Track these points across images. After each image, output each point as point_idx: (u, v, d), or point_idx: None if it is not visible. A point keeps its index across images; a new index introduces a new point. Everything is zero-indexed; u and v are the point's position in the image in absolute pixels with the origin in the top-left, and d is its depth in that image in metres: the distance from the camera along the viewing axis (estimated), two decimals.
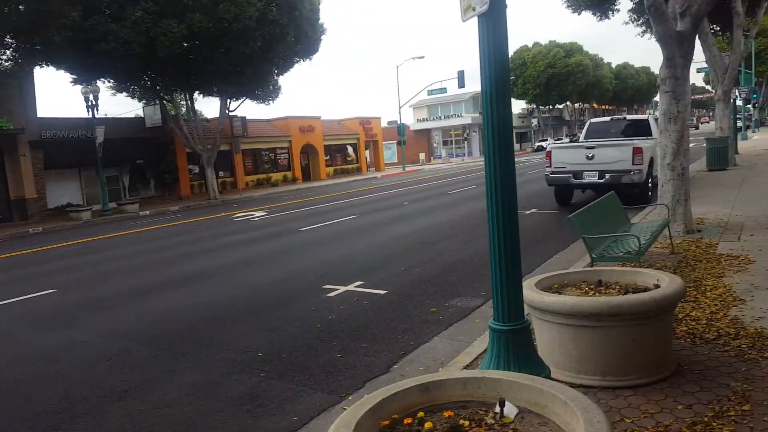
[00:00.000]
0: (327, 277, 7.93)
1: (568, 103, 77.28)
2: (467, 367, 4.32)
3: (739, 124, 40.81)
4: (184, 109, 29.23)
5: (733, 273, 6.04)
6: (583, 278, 4.54)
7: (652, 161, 13.04)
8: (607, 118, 15.25)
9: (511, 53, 58.66)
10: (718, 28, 20.07)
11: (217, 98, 27.65)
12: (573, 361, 3.80)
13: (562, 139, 60.10)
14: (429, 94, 48.64)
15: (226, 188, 31.15)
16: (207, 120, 32.44)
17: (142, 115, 29.38)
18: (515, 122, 76.09)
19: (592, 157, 12.48)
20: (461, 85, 44.79)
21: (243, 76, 24.92)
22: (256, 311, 6.63)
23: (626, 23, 20.70)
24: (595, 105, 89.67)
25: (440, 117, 68.67)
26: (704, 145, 18.39)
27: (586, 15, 21.41)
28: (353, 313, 6.17)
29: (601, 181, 12.38)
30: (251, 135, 32.87)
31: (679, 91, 8.12)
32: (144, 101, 29.37)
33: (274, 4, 23.84)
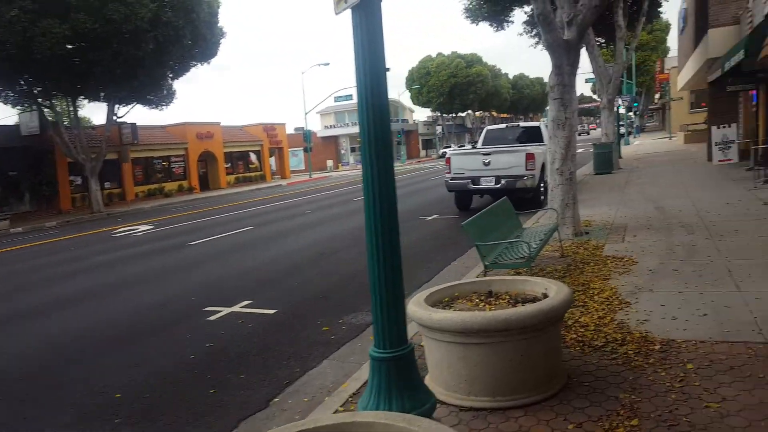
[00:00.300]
0: (211, 298, 7.28)
1: (470, 111, 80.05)
2: (354, 394, 3.95)
3: (622, 130, 44.10)
4: (68, 116, 26.81)
5: (619, 275, 6.14)
6: (474, 289, 4.33)
7: (543, 166, 13.48)
8: (503, 125, 15.68)
9: (415, 63, 59.28)
10: (603, 41, 21.39)
11: (105, 103, 25.62)
12: (463, 382, 3.54)
13: (464, 145, 62.12)
14: (336, 101, 48.37)
15: (113, 200, 28.96)
16: (93, 127, 30.03)
17: (18, 123, 26.62)
18: (421, 129, 78.00)
19: (489, 163, 12.68)
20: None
21: (134, 80, 23.25)
22: (122, 342, 5.88)
23: (520, 34, 21.56)
24: (494, 113, 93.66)
25: (348, 123, 68.59)
26: (591, 150, 19.47)
27: (484, 26, 22.10)
28: (235, 339, 5.62)
29: (498, 186, 12.60)
30: (143, 142, 30.83)
31: (566, 99, 8.31)
32: (19, 107, 26.62)
33: (169, 5, 22.48)
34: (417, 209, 15.10)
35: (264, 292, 7.42)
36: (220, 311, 6.61)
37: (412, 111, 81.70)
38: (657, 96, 60.80)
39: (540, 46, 21.67)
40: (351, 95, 47.44)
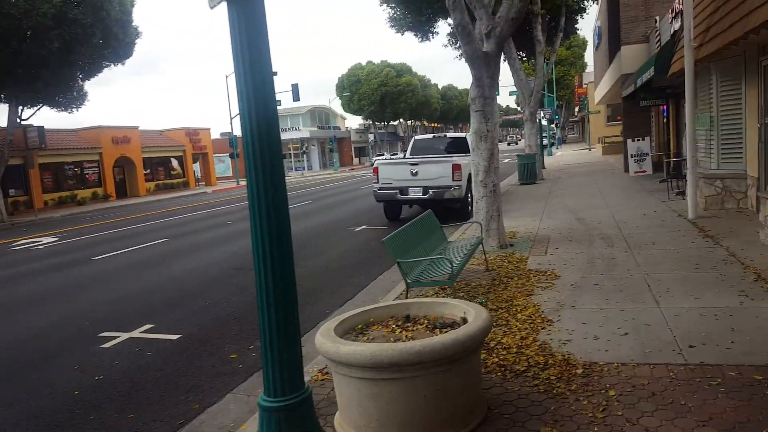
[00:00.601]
0: (109, 321, 6.57)
1: (401, 120, 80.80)
2: None
3: (545, 141, 45.76)
4: None
5: (542, 290, 6.03)
6: (391, 313, 4.01)
7: (470, 178, 13.49)
8: (431, 136, 15.64)
9: (345, 70, 58.96)
10: (524, 55, 21.97)
11: (6, 105, 23.56)
12: (373, 422, 3.18)
13: (397, 153, 62.48)
14: None
15: (20, 209, 26.71)
16: None
17: None
18: (354, 137, 77.90)
19: (416, 173, 12.52)
20: (296, 98, 44.35)
21: (38, 81, 21.53)
22: None
23: (445, 46, 21.75)
24: (425, 123, 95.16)
25: (280, 129, 67.26)
26: (516, 160, 19.86)
27: (409, 36, 22.13)
28: (129, 370, 5.01)
29: (425, 196, 12.46)
30: (52, 147, 28.68)
31: (488, 111, 8.23)
32: None
33: (76, 1, 20.99)
34: (346, 219, 14.74)
35: (169, 313, 6.78)
36: (117, 337, 5.94)
37: (344, 118, 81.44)
38: (576, 109, 63.73)
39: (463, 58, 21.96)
40: (279, 101, 46.56)
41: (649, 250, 7.41)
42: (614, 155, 29.56)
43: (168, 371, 4.95)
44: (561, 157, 37.98)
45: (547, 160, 34.41)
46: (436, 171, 12.39)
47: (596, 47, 30.85)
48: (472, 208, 13.39)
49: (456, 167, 12.34)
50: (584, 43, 59.77)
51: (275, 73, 2.38)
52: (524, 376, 3.97)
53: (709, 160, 9.86)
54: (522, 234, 9.62)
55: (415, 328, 3.76)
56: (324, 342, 3.28)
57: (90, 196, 31.03)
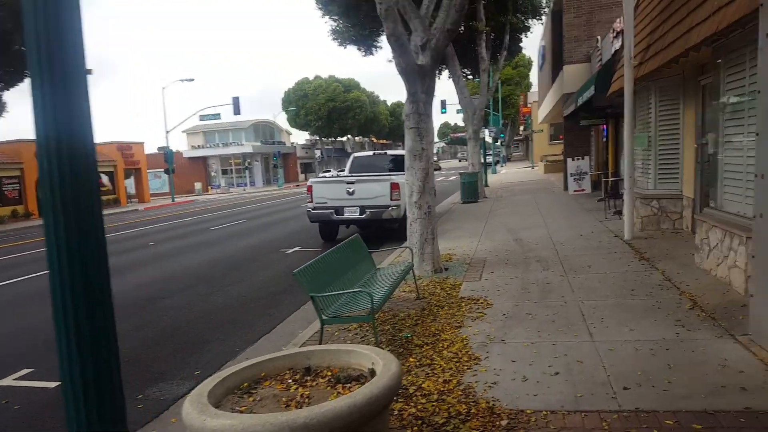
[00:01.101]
0: None
1: (349, 136, 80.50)
2: None
3: (490, 159, 46.34)
4: None
5: (472, 321, 5.59)
6: (289, 364, 3.42)
7: None
8: (370, 153, 15.19)
9: (292, 84, 57.91)
10: (469, 72, 21.99)
11: None
12: None
13: (344, 170, 62.19)
14: (201, 120, 45.88)
15: None
16: None
17: None
18: (300, 153, 76.88)
19: (353, 192, 12.00)
20: (236, 112, 43.20)
21: None
22: None
23: (390, 61, 21.41)
24: (374, 139, 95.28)
25: (218, 144, 65.70)
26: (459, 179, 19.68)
27: (353, 50, 21.74)
28: None
29: (363, 216, 11.95)
30: None
31: (423, 128, 7.82)
32: None
33: None
34: (279, 240, 14.02)
35: (55, 355, 5.93)
36: None
37: (289, 133, 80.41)
38: (521, 128, 65.23)
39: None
40: (219, 114, 45.39)
41: (584, 274, 7.12)
42: (555, 173, 30.07)
43: (37, 429, 4.16)
44: (505, 174, 38.47)
45: (492, 178, 34.71)
46: (374, 190, 11.92)
47: (540, 67, 31.47)
48: None
49: (394, 186, 11.90)
50: (530, 63, 61.39)
51: (89, 71, 1.75)
52: (443, 431, 3.46)
53: (647, 180, 9.80)
54: (459, 256, 9.23)
55: (315, 383, 3.19)
56: (191, 412, 2.65)
57: (9, 214, 28.89)
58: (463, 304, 6.22)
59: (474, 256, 9.08)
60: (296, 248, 12.50)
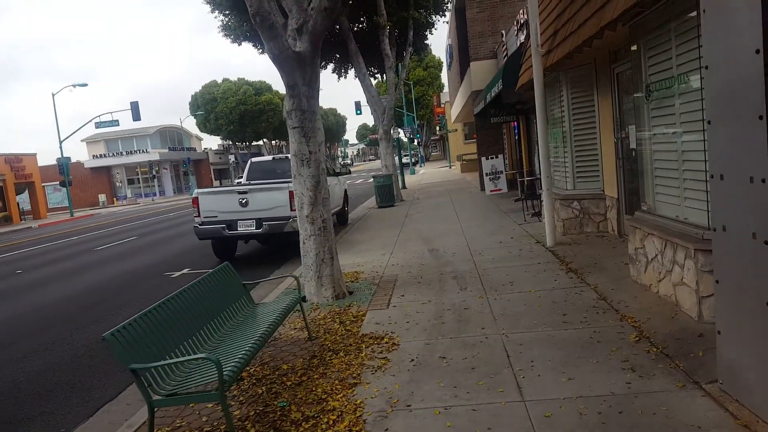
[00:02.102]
0: None
1: (265, 140, 77.87)
2: None
3: (406, 160, 45.74)
4: None
5: (372, 373, 4.33)
6: None
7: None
8: (269, 157, 13.65)
9: (199, 88, 55.50)
10: (376, 71, 20.92)
11: None
12: None
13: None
14: (97, 127, 42.04)
15: None
16: None
17: None
18: (213, 158, 73.18)
19: (246, 203, 10.46)
20: (136, 117, 39.99)
21: None
22: None
23: (261, 52, 19.91)
24: None
25: (122, 153, 61.35)
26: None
27: (248, 47, 20.07)
28: None
29: (259, 231, 10.44)
30: None
31: (308, 127, 6.49)
32: None
33: None
34: (167, 261, 12.20)
35: None
36: None
37: (200, 139, 76.56)
38: (438, 128, 65.53)
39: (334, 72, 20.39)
40: (117, 121, 41.81)
41: (507, 293, 6.07)
42: (472, 172, 29.72)
43: None
44: (423, 175, 37.91)
45: (410, 179, 34.00)
46: (271, 200, 10.44)
47: (449, 66, 31.05)
48: None
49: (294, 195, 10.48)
50: (440, 64, 61.72)
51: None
52: None
53: (565, 180, 9.01)
54: (367, 274, 7.98)
55: None
56: None
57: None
58: (364, 346, 4.95)
59: (384, 273, 7.87)
60: (185, 270, 10.80)
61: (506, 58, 14.29)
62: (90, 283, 10.59)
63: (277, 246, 12.35)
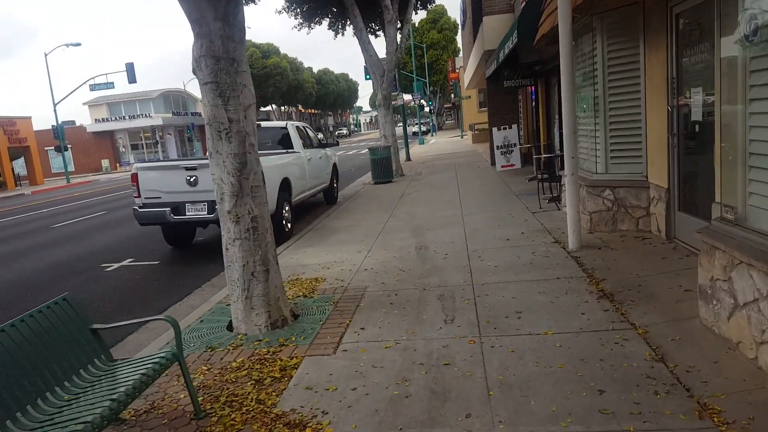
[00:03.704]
0: None
1: (273, 105, 75.78)
2: None
3: (415, 129, 43.37)
4: None
5: None
6: None
7: (289, 184, 9.77)
8: None
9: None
10: (377, 28, 18.57)
11: None
12: None
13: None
14: (92, 90, 40.08)
15: None
16: None
17: None
18: None
19: (196, 181, 8.50)
20: (132, 80, 37.96)
21: None
22: None
23: (279, 12, 17.75)
24: (302, 108, 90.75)
25: (125, 117, 59.58)
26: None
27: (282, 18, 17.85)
28: None
29: (212, 216, 8.48)
30: None
31: (226, 82, 4.45)
32: None
33: None
34: (114, 246, 10.36)
35: None
36: None
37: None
38: (452, 95, 62.60)
39: (307, 29, 18.13)
40: (112, 83, 39.85)
41: (511, 334, 4.09)
42: (484, 143, 27.41)
43: None
44: (432, 145, 35.58)
45: (417, 149, 31.80)
46: None
47: (462, 25, 28.48)
48: (290, 227, 9.72)
49: None
50: (456, 26, 58.52)
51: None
52: None
53: (595, 161, 6.90)
54: (330, 283, 6.05)
55: None
56: None
57: None
58: None
59: (352, 283, 5.92)
60: (125, 261, 8.95)
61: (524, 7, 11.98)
62: (17, 273, 8.80)
63: None
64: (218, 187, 4.72)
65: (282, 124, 11.34)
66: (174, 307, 6.49)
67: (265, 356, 4.23)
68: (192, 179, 8.50)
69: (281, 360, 4.12)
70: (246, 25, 4.67)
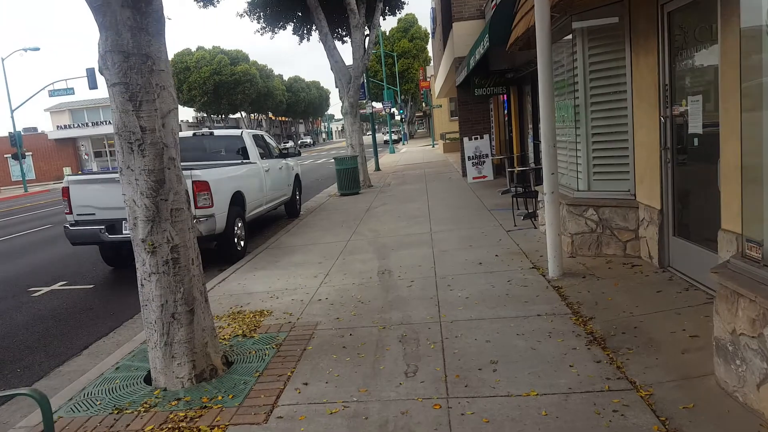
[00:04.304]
0: None
1: (242, 113, 74.49)
2: None
3: (386, 138, 42.73)
4: None
5: None
6: None
7: (242, 198, 8.89)
8: (190, 134, 10.68)
9: (171, 56, 51.96)
10: (344, 33, 17.82)
11: None
12: None
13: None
14: (51, 96, 38.36)
15: None
16: None
17: None
18: (186, 131, 69.37)
19: None
20: (92, 86, 36.41)
21: None
22: None
23: (241, 15, 16.89)
24: (272, 116, 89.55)
25: (87, 123, 57.65)
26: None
27: (247, 23, 16.94)
28: None
29: None
30: None
31: (137, 84, 3.61)
32: None
33: None
34: (48, 266, 9.31)
35: None
36: None
37: None
38: (423, 104, 62.30)
39: (270, 35, 17.27)
40: (72, 89, 38.18)
41: (485, 396, 3.32)
42: (454, 153, 26.91)
43: None
44: (403, 154, 34.95)
45: (388, 159, 31.15)
46: None
47: (432, 33, 28.01)
48: (243, 246, 8.83)
49: (200, 186, 7.62)
50: (426, 35, 58.35)
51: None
52: None
53: (576, 176, 6.24)
54: (276, 317, 5.21)
55: None
56: None
57: None
58: None
59: (301, 318, 5.09)
60: (59, 284, 7.96)
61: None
62: None
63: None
64: (130, 210, 3.87)
65: (237, 132, 10.45)
66: (97, 344, 5.58)
67: (181, 423, 3.38)
68: None
69: (200, 430, 3.28)
70: (166, 15, 3.85)
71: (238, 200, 8.70)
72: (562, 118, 6.56)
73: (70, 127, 57.58)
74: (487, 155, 14.40)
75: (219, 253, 8.34)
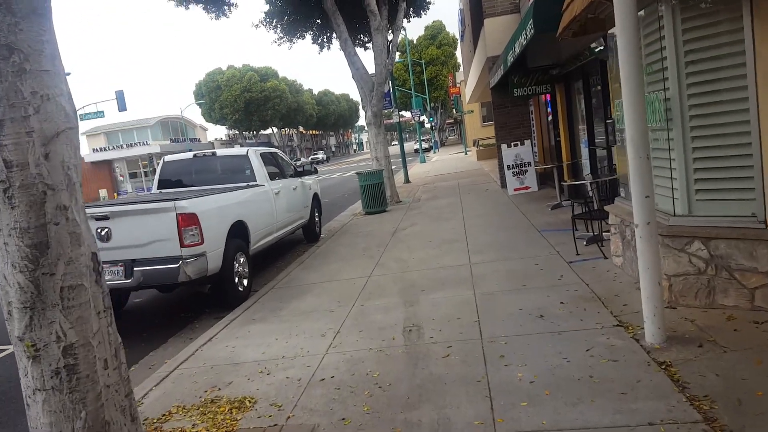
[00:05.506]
0: None
1: (273, 128, 74.44)
2: None
3: (416, 146, 41.21)
4: None
5: None
6: None
7: (244, 229, 7.53)
8: (190, 155, 9.39)
9: (203, 76, 51.83)
10: (366, 39, 16.44)
11: None
12: None
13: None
14: (82, 120, 38.37)
15: None
16: None
17: None
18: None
19: (108, 234, 6.27)
20: (122, 108, 36.39)
21: None
22: None
23: (257, 26, 15.70)
24: (303, 130, 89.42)
25: (122, 145, 58.27)
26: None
27: (273, 39, 16.01)
28: None
29: (130, 282, 6.25)
30: None
31: (15, 91, 2.21)
32: None
33: None
34: None
35: None
36: None
37: (204, 129, 72.94)
38: (453, 110, 60.67)
39: (289, 44, 16.04)
40: (102, 112, 38.15)
41: None
42: (490, 160, 25.18)
43: None
44: (434, 163, 33.35)
45: (418, 168, 29.63)
46: (146, 228, 6.24)
47: (461, 36, 26.45)
48: (247, 285, 7.45)
49: (187, 219, 6.26)
50: (455, 41, 56.83)
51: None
52: None
53: (670, 196, 4.58)
54: (260, 411, 3.75)
55: None
56: None
57: None
58: None
59: (293, 417, 3.60)
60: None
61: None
62: None
63: (185, 294, 8.14)
64: (2, 291, 2.46)
65: (242, 151, 9.11)
66: None
67: None
68: (104, 232, 6.27)
69: None
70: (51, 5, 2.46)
71: (239, 232, 7.33)
72: (648, 117, 4.91)
73: (105, 149, 58.35)
74: (529, 163, 12.75)
75: (215, 297, 6.98)
